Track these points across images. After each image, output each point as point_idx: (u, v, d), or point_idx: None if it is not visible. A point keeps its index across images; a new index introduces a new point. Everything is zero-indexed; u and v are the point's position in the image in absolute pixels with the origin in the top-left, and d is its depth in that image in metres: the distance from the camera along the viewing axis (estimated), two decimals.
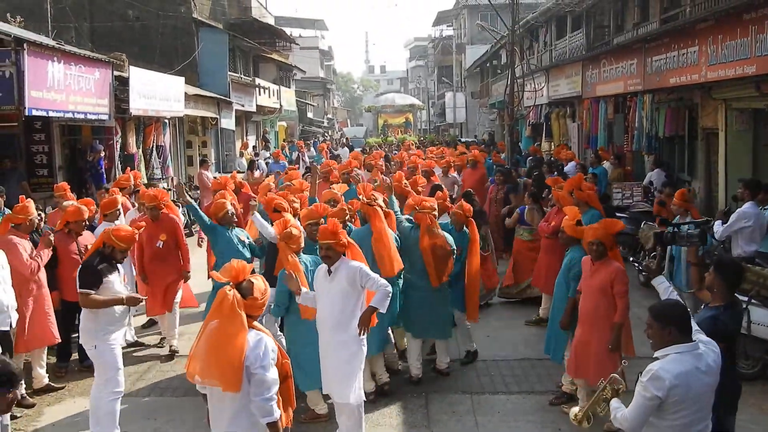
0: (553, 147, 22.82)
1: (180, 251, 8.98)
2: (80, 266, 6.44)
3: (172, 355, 8.70)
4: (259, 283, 4.36)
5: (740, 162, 12.66)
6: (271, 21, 36.22)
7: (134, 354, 8.82)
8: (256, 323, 4.40)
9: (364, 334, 5.81)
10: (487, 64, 38.40)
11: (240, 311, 4.19)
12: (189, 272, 9.06)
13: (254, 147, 29.35)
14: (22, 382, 3.82)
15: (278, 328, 7.35)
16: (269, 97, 32.82)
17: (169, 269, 8.83)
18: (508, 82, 22.11)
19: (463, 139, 36.88)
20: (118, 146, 15.51)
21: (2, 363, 3.59)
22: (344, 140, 38.94)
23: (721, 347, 4.27)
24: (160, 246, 8.69)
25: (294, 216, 7.51)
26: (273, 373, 4.29)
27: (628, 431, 4.06)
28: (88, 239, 8.09)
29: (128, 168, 14.80)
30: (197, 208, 8.08)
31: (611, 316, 6.25)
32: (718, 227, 8.86)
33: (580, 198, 9.14)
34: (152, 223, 8.72)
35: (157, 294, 8.76)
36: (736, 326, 4.93)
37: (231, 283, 4.32)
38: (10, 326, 6.84)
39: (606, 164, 15.42)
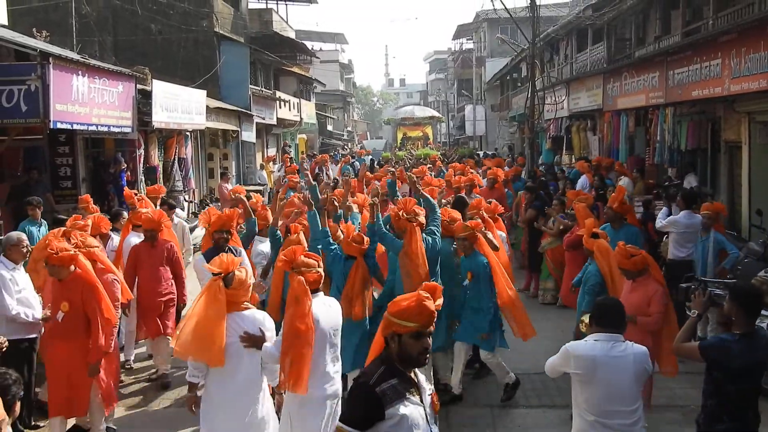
0: (573, 160, 22.72)
1: (91, 331, 6.19)
2: None
3: None
4: (242, 274, 4.91)
5: (764, 175, 12.53)
6: (291, 35, 36.49)
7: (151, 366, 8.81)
8: (249, 305, 5.07)
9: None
10: (507, 77, 38.38)
11: (221, 298, 4.80)
12: (96, 364, 6.23)
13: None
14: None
15: None
16: (290, 110, 33.01)
17: (71, 359, 6.23)
18: (529, 95, 22.09)
19: (480, 152, 36.78)
20: (142, 159, 15.66)
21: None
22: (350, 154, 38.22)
23: (721, 377, 4.48)
24: (59, 319, 6.25)
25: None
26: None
27: (546, 372, 4.87)
28: None
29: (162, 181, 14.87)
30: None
31: (645, 333, 6.09)
32: (662, 216, 9.76)
33: (620, 212, 8.95)
34: (57, 283, 6.32)
35: (56, 393, 6.32)
36: (752, 359, 4.44)
37: (221, 274, 4.87)
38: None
39: (625, 180, 15.29)
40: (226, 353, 4.85)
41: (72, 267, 6.24)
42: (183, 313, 8.36)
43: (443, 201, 10.28)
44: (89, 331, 6.21)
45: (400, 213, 7.15)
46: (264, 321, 5.06)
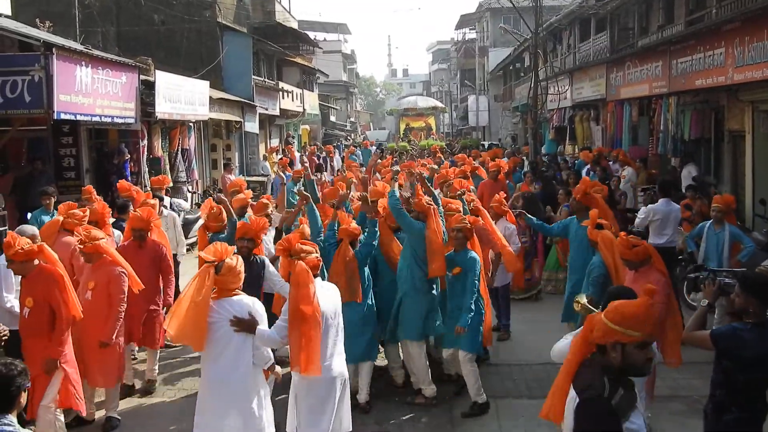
0: (576, 150, 22.70)
1: (55, 326, 5.96)
2: None
3: None
4: (231, 262, 5.04)
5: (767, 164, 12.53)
6: (294, 25, 36.41)
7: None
8: (240, 292, 5.17)
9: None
10: (510, 67, 38.28)
11: (208, 284, 4.93)
12: (53, 360, 5.91)
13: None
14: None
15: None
16: (293, 100, 32.96)
17: (36, 357, 5.87)
18: (532, 85, 22.05)
19: (483, 142, 36.74)
20: (145, 150, 15.67)
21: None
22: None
23: (732, 366, 4.46)
24: (25, 315, 6.03)
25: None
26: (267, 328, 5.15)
27: (552, 356, 4.61)
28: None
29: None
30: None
31: None
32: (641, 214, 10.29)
33: (586, 203, 8.38)
34: (23, 280, 6.12)
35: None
36: (764, 349, 4.40)
37: (215, 261, 5.02)
38: None
39: (629, 169, 15.30)
40: (215, 337, 4.97)
41: (36, 261, 6.00)
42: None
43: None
44: (52, 334, 5.93)
45: (424, 198, 7.26)
46: (253, 305, 5.15)
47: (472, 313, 6.88)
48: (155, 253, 7.72)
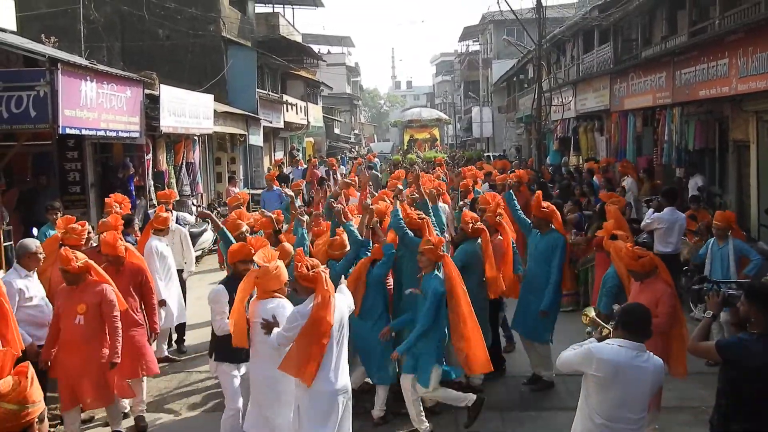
0: (581, 161, 22.67)
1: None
2: None
3: None
4: (274, 264, 5.52)
5: None
6: (298, 38, 36.56)
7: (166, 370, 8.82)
8: (278, 294, 5.62)
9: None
10: (514, 79, 38.33)
11: (249, 281, 5.55)
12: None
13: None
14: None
15: None
16: (297, 113, 33.07)
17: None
18: (535, 97, 22.07)
19: (487, 154, 36.78)
20: (150, 163, 15.70)
21: None
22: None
23: (737, 376, 4.43)
24: None
25: None
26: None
27: (557, 365, 4.83)
28: None
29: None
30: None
31: (654, 334, 5.99)
32: (649, 215, 10.53)
33: (541, 217, 8.09)
34: None
35: None
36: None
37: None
38: None
39: (629, 180, 15.25)
40: (256, 337, 5.51)
41: None
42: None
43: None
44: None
45: (413, 214, 7.39)
46: (276, 308, 5.49)
47: (420, 341, 6.52)
48: (135, 277, 7.30)
